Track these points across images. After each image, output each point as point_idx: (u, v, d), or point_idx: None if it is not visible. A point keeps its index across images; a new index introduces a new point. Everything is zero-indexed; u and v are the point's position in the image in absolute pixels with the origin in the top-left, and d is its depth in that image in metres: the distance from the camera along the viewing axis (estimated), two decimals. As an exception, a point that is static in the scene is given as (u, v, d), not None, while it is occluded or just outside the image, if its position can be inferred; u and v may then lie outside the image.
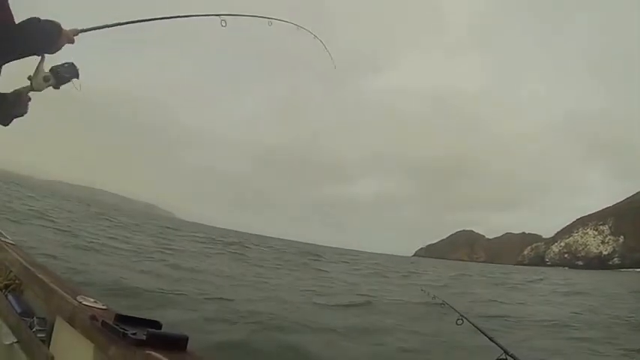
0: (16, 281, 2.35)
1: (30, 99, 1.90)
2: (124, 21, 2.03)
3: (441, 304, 3.94)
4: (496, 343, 2.78)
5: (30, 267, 2.19)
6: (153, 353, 1.22)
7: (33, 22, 1.71)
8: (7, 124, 1.92)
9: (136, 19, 2.07)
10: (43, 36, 1.76)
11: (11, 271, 2.39)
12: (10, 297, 2.26)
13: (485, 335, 2.98)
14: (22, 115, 1.93)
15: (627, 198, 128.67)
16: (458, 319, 3.30)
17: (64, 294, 1.78)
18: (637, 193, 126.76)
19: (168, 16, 2.13)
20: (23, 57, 1.77)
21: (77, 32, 1.89)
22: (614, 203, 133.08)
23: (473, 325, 3.27)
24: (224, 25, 2.14)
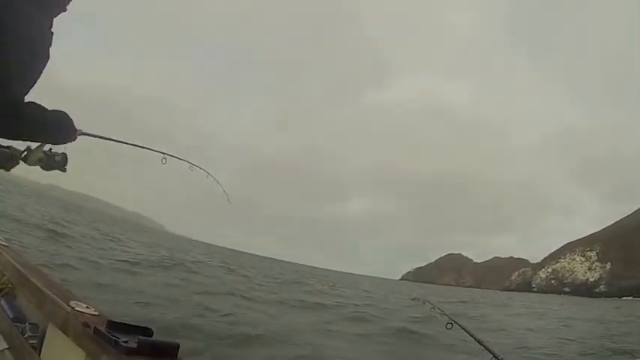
0: (9, 285, 2.33)
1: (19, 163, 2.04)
2: (121, 140, 2.38)
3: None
4: (485, 348, 2.84)
5: (23, 270, 2.17)
6: None
7: (63, 118, 1.86)
8: None
9: (131, 143, 2.50)
10: (66, 133, 1.91)
11: (4, 275, 2.37)
12: (2, 301, 2.23)
13: (475, 339, 3.03)
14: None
15: (615, 222, 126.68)
16: (447, 324, 3.27)
17: (57, 299, 1.78)
18: (624, 217, 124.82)
19: (149, 147, 2.56)
20: (40, 142, 1.97)
21: (81, 133, 2.01)
22: (602, 228, 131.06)
23: (463, 328, 3.26)
24: (164, 162, 2.53)
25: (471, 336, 3.11)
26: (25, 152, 1.97)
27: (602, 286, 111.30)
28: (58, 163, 2.01)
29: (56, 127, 1.81)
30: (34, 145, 1.97)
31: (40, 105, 1.70)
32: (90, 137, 2.10)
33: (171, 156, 2.51)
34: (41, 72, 1.66)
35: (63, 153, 2.01)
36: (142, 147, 2.46)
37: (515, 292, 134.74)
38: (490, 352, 2.72)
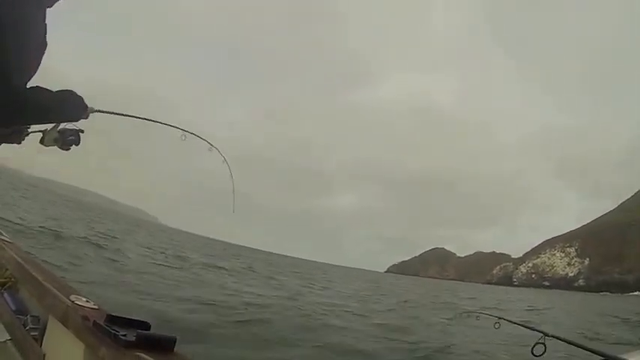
0: (12, 279, 2.39)
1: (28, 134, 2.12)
2: (133, 114, 2.32)
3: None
4: (534, 329, 3.09)
5: (25, 265, 2.22)
6: (142, 355, 1.27)
7: (72, 96, 1.90)
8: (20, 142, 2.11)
9: (142, 117, 2.38)
10: (76, 111, 1.97)
11: (7, 269, 2.43)
12: (5, 295, 2.29)
13: (522, 325, 3.49)
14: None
15: (594, 220, 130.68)
16: (495, 323, 3.67)
17: (57, 293, 1.82)
18: (603, 215, 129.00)
19: (158, 120, 2.46)
20: (51, 123, 2.04)
21: (93, 111, 2.05)
22: (582, 225, 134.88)
23: (509, 321, 3.73)
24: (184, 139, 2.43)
25: (519, 324, 3.64)
26: (42, 134, 2.08)
27: (580, 281, 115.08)
28: (72, 140, 2.11)
29: (63, 107, 1.87)
30: (50, 126, 2.07)
31: (44, 88, 1.77)
32: (105, 115, 2.12)
33: (192, 133, 2.46)
34: (40, 60, 1.79)
35: (75, 130, 2.10)
36: (162, 123, 2.44)
37: (496, 286, 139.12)
38: (539, 331, 2.96)
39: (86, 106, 1.97)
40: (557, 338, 2.88)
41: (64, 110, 1.91)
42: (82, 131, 2.13)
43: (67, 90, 1.87)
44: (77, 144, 2.13)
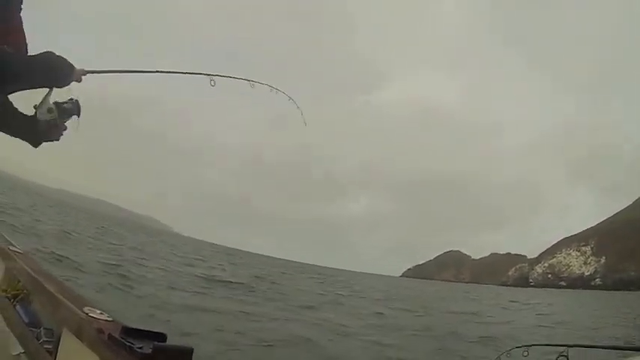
0: (24, 291, 2.36)
1: (66, 128, 1.98)
2: (129, 69, 2.18)
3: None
4: (556, 345, 3.13)
5: (37, 277, 2.19)
6: None
7: (49, 56, 1.81)
8: (37, 146, 2.01)
9: (139, 70, 2.22)
10: (58, 71, 1.83)
11: (19, 281, 2.40)
12: (18, 307, 2.27)
13: (544, 344, 3.49)
14: (53, 141, 2.02)
15: (609, 218, 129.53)
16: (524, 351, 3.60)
17: (71, 305, 1.79)
18: (617, 213, 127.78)
19: (165, 70, 2.32)
20: (34, 88, 1.86)
21: (85, 72, 1.95)
22: (597, 223, 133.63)
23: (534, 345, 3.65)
24: (213, 84, 2.30)
25: (541, 344, 3.59)
26: (35, 110, 1.90)
27: (597, 279, 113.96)
28: (71, 109, 1.91)
29: (46, 69, 1.77)
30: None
31: (20, 54, 1.73)
32: (100, 75, 1.97)
33: (223, 76, 2.30)
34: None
35: (71, 99, 1.92)
36: (183, 72, 2.31)
37: (512, 287, 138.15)
38: (562, 345, 3.05)
39: (72, 65, 1.86)
40: (580, 346, 2.94)
41: (48, 72, 1.80)
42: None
43: (48, 51, 1.80)
44: (78, 114, 1.94)
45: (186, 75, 2.36)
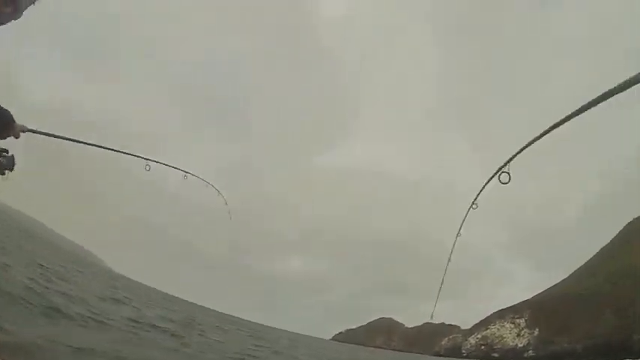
0: None
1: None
2: (70, 137, 2.34)
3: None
4: None
5: None
6: None
7: None
8: None
9: (79, 140, 2.38)
10: None
11: None
12: None
13: None
14: None
15: (544, 291, 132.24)
16: None
17: None
18: (552, 286, 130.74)
19: (102, 145, 2.44)
20: None
21: (25, 130, 1.93)
22: (532, 295, 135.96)
23: None
24: (148, 169, 2.45)
25: None
26: None
27: (530, 351, 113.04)
28: (7, 164, 1.84)
29: None
30: None
31: None
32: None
33: (158, 162, 2.33)
34: None
35: (6, 153, 1.84)
36: (120, 152, 2.30)
37: (444, 357, 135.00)
38: None
39: (13, 121, 1.73)
40: None
41: None
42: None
43: None
44: (11, 168, 1.88)
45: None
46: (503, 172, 3.37)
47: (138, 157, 2.48)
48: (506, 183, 3.38)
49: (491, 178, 3.94)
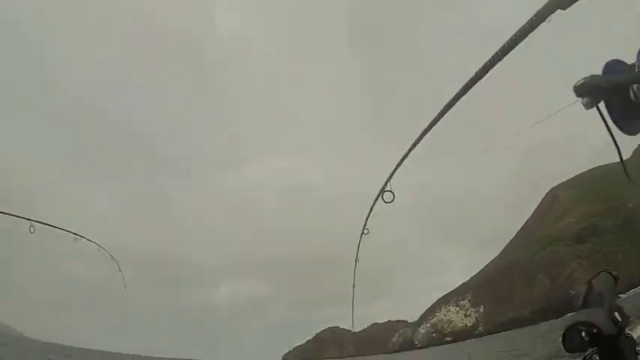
0: None
1: None
2: None
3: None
4: None
5: None
6: None
7: None
8: None
9: None
10: None
11: None
12: None
13: None
14: None
15: (481, 270, 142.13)
16: None
17: None
18: (487, 264, 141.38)
19: None
20: None
21: None
22: (470, 277, 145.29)
23: None
24: (32, 231, 2.00)
25: None
26: None
27: (480, 328, 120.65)
28: None
29: None
30: None
31: None
32: None
33: (45, 224, 1.78)
34: None
35: None
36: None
37: (397, 353, 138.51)
38: None
39: None
40: None
41: None
42: None
43: None
44: None
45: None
46: (385, 191, 3.48)
47: (21, 217, 1.95)
48: (390, 202, 3.50)
49: (375, 201, 4.06)
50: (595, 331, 0.90)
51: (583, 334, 0.90)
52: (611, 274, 1.04)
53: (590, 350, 0.92)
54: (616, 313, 0.93)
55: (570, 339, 0.92)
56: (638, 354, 0.90)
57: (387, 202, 3.56)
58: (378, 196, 3.57)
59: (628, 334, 0.93)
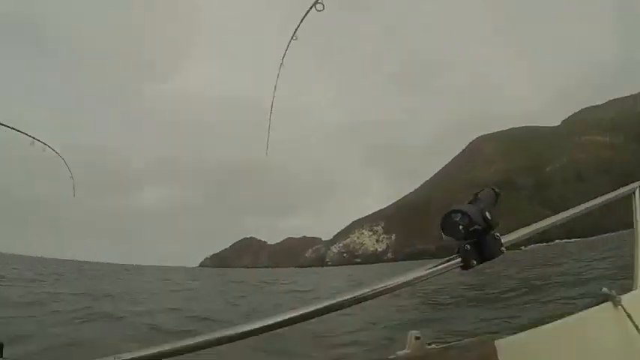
0: None
1: None
2: None
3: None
4: None
5: None
6: None
7: None
8: None
9: None
10: None
11: None
12: None
13: None
14: None
15: (396, 201, 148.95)
16: None
17: None
18: (404, 196, 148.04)
19: None
20: None
21: None
22: (387, 206, 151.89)
23: None
24: None
25: None
26: None
27: (389, 254, 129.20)
28: None
29: None
30: None
31: None
32: None
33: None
34: None
35: None
36: None
37: (308, 268, 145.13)
38: None
39: None
40: None
41: None
42: None
43: None
44: None
45: None
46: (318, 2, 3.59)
47: None
48: (321, 10, 3.65)
49: (309, 10, 4.04)
50: (467, 220, 1.00)
51: (460, 227, 1.01)
52: (494, 190, 1.17)
53: (464, 242, 1.04)
54: (487, 212, 1.05)
55: (449, 226, 1.02)
56: (502, 252, 1.05)
57: (318, 11, 3.80)
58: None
59: (497, 236, 1.07)
